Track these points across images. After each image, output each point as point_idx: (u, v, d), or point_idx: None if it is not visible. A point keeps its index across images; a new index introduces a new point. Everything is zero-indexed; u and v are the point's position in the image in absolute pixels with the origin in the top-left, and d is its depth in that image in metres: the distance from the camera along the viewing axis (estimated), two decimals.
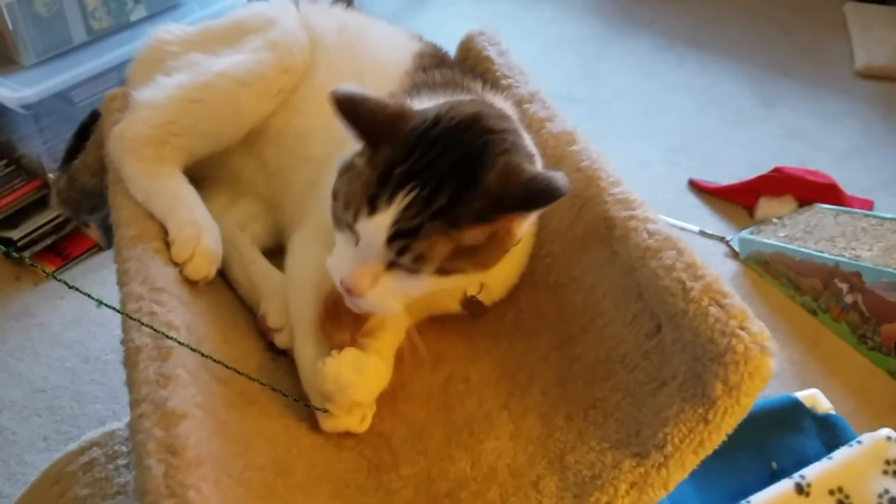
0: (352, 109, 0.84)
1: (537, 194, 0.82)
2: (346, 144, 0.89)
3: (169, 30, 1.20)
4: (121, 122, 1.06)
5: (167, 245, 0.98)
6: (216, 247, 1.00)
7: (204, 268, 0.98)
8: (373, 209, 0.81)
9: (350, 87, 0.85)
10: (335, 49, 1.15)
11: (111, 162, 1.06)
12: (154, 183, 1.03)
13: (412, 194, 0.81)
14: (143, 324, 0.83)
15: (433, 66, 1.12)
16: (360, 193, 0.82)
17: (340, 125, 0.85)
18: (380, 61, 1.13)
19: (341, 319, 0.94)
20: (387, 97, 0.94)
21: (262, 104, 1.11)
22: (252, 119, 1.11)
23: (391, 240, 0.81)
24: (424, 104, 0.94)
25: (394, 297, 0.85)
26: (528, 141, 0.94)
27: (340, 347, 0.90)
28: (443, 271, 0.83)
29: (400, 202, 0.81)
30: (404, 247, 0.81)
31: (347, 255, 0.84)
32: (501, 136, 0.87)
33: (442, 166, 0.82)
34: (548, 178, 0.82)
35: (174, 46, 1.16)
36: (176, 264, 0.97)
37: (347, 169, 0.86)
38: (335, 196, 0.86)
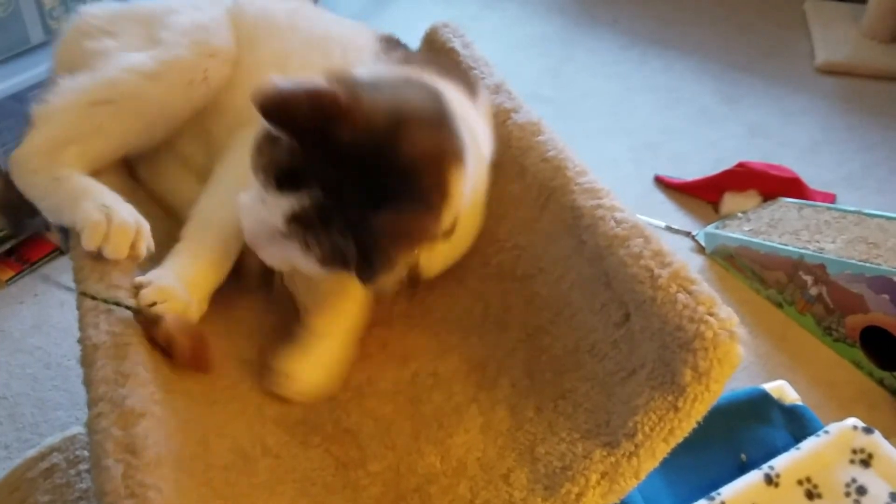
0: (282, 112, 0.78)
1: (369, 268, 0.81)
2: None
3: (96, 7, 1.13)
4: (20, 144, 0.98)
5: None
6: (134, 219, 0.91)
7: (124, 242, 0.89)
8: (279, 189, 0.81)
9: (277, 81, 0.78)
10: (286, 27, 1.10)
11: None
12: (53, 196, 0.95)
13: (316, 198, 0.80)
14: (103, 300, 0.83)
15: (398, 48, 1.11)
16: (272, 166, 0.82)
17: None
18: (346, 39, 1.09)
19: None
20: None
21: (178, 95, 1.03)
22: (167, 112, 1.04)
23: (287, 221, 0.82)
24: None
25: (285, 262, 0.87)
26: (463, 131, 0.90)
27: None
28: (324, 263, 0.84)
29: (304, 198, 0.80)
30: (295, 231, 0.82)
31: (256, 207, 0.84)
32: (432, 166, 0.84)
33: (350, 187, 0.80)
34: (379, 263, 0.81)
35: (95, 29, 1.09)
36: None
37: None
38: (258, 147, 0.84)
